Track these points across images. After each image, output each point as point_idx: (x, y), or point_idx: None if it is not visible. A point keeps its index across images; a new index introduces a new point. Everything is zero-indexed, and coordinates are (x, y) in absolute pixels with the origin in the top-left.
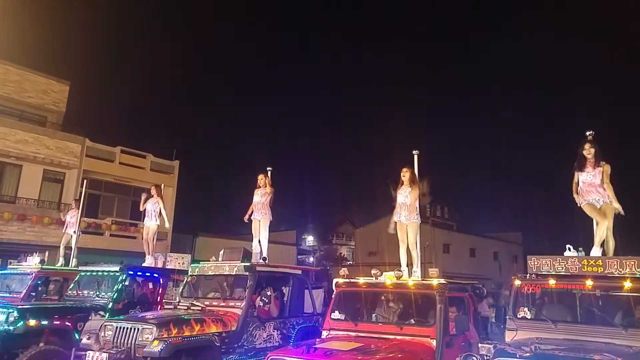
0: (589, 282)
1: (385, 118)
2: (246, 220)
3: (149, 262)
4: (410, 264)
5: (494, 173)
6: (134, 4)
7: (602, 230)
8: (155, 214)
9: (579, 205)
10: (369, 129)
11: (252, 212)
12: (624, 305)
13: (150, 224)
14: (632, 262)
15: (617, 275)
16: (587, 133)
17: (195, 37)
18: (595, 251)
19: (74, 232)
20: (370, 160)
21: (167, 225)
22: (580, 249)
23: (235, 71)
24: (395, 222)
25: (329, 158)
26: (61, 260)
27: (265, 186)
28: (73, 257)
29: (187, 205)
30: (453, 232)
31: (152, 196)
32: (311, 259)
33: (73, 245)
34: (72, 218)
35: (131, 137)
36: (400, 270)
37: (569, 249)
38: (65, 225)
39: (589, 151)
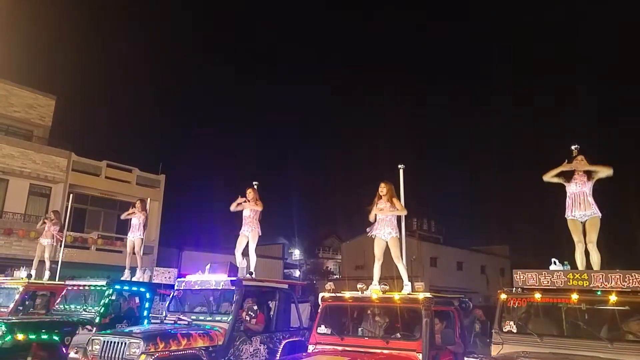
0: (575, 296)
1: (372, 132)
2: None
3: (138, 276)
4: (399, 277)
5: (481, 186)
6: (119, 18)
7: (581, 250)
8: (140, 227)
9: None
10: (355, 143)
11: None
12: (610, 318)
13: (135, 238)
14: (618, 276)
15: (602, 289)
16: (573, 147)
17: (181, 52)
18: (559, 267)
19: (52, 243)
20: (356, 173)
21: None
22: (565, 262)
23: (221, 85)
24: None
25: (314, 172)
26: (46, 274)
27: (255, 200)
28: (46, 270)
29: (173, 220)
30: (440, 246)
31: (136, 210)
32: (297, 273)
33: (47, 259)
34: (49, 228)
35: (117, 151)
36: (386, 284)
37: (555, 262)
38: (43, 236)
39: (579, 163)
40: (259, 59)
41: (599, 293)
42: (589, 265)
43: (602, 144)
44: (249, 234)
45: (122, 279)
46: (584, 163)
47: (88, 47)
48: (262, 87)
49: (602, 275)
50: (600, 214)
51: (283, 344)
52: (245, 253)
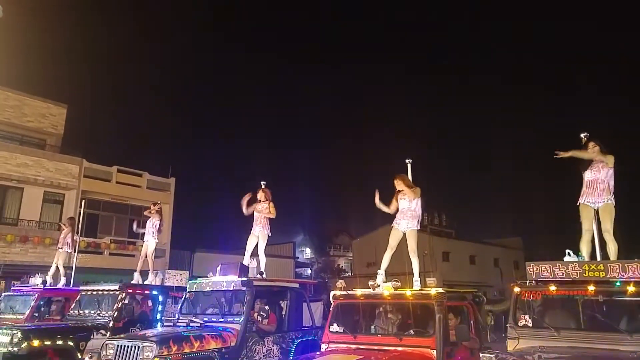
0: (591, 288)
1: (381, 126)
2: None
3: (150, 279)
4: (411, 273)
5: (492, 178)
6: (128, 25)
7: (588, 239)
8: (154, 231)
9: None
10: (363, 138)
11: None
12: (628, 310)
13: (149, 241)
14: (635, 266)
15: (619, 279)
16: (582, 135)
17: (191, 56)
18: (574, 257)
19: (67, 250)
20: (366, 169)
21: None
22: (580, 253)
23: (230, 85)
24: (392, 228)
25: (324, 169)
26: (62, 280)
27: (266, 201)
28: (61, 277)
29: (184, 222)
30: (452, 240)
31: (151, 214)
32: (309, 272)
33: (61, 265)
34: (66, 237)
35: (127, 156)
36: (397, 281)
37: (569, 254)
38: (60, 244)
39: (592, 150)
40: (265, 60)
41: (618, 284)
42: (604, 256)
43: (618, 129)
44: (259, 233)
45: (132, 282)
46: (597, 150)
47: (97, 55)
48: (270, 87)
49: (619, 265)
50: (614, 202)
51: (296, 343)
52: (255, 253)
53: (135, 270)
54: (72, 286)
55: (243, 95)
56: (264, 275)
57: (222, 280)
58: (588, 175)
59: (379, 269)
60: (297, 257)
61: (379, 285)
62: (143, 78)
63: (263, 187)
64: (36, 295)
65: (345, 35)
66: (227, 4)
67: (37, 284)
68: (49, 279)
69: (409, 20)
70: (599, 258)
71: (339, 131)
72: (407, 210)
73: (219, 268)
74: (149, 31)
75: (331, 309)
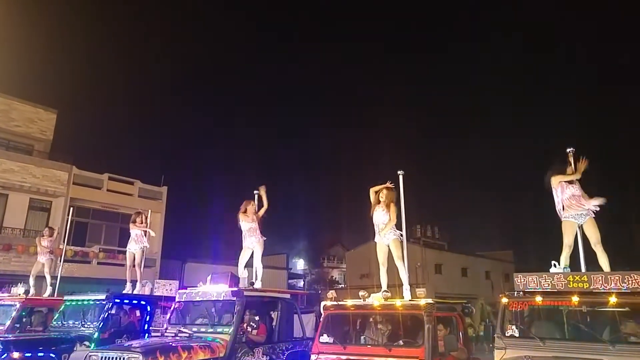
0: (575, 299)
1: (374, 139)
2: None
3: (138, 289)
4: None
5: (484, 192)
6: (120, 31)
7: (567, 254)
8: (140, 238)
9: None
10: (358, 150)
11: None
12: (611, 320)
13: (135, 250)
14: (617, 277)
15: (602, 290)
16: (568, 150)
17: (183, 63)
18: (559, 269)
19: (46, 260)
20: (360, 181)
21: (152, 233)
22: (566, 265)
23: (224, 96)
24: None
25: (318, 180)
26: (31, 290)
27: (254, 212)
28: (47, 286)
29: (176, 232)
30: (444, 252)
31: (136, 223)
32: (301, 283)
33: (47, 274)
34: (44, 246)
35: (119, 164)
36: (387, 291)
37: (555, 265)
38: (39, 253)
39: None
40: (259, 70)
41: (598, 295)
42: (594, 268)
43: (600, 144)
44: (255, 245)
45: (123, 292)
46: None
47: (89, 60)
48: (265, 98)
49: (602, 277)
50: (594, 215)
51: (286, 354)
52: (249, 264)
53: (126, 281)
54: (57, 296)
55: (237, 106)
56: (255, 286)
57: (212, 290)
58: (568, 193)
59: (382, 288)
60: (290, 268)
61: (369, 296)
62: (137, 84)
63: (256, 197)
64: (18, 306)
65: (344, 40)
66: (219, 19)
67: (20, 294)
68: (31, 290)
69: (406, 36)
70: (583, 269)
71: (332, 142)
72: (379, 222)
73: (209, 278)
74: (143, 37)
75: (321, 319)
